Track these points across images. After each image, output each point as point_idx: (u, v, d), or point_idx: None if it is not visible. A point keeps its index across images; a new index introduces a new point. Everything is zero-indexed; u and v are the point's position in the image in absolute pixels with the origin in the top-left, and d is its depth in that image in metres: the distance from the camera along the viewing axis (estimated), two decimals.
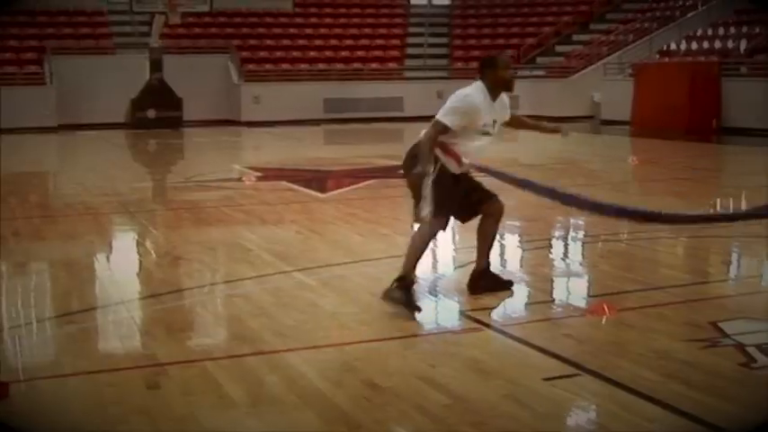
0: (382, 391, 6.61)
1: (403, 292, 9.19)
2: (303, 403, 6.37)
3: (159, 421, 6.09)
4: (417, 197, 8.98)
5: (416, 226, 9.35)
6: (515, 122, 10.21)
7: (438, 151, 9.22)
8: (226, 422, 6.07)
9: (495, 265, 11.64)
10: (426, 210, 8.88)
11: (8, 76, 37.59)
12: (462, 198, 9.52)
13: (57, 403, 6.54)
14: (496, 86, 9.54)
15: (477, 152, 9.45)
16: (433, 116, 9.34)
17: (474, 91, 9.50)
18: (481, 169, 9.39)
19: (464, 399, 6.41)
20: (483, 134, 9.44)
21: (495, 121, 9.60)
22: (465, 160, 9.36)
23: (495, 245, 13.32)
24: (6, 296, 10.04)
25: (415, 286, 9.26)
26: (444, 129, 9.23)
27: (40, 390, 6.81)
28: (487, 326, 8.53)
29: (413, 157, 9.14)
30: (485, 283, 9.89)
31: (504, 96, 9.80)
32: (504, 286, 9.96)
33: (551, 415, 6.23)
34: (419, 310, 9.05)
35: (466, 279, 10.51)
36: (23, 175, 22.51)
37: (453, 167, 9.32)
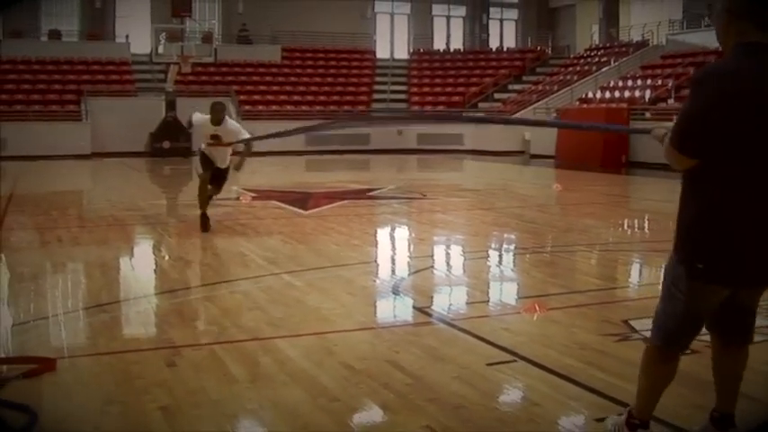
0: (356, 371, 6.60)
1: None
2: (291, 380, 6.36)
3: (175, 392, 6.07)
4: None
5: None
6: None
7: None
8: (229, 394, 6.06)
9: (442, 271, 11.74)
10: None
11: (52, 113, 37.62)
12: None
13: (93, 376, 6.54)
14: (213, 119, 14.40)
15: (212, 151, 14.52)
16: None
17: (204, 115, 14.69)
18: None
19: (422, 379, 6.40)
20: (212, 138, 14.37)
21: (216, 135, 14.28)
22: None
23: (444, 253, 13.41)
24: (52, 290, 10.00)
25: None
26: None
27: (80, 365, 6.80)
28: (440, 320, 8.53)
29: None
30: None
31: (228, 122, 14.49)
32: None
33: (493, 393, 6.24)
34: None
35: (421, 282, 10.58)
36: (64, 193, 22.48)
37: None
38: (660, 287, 4.81)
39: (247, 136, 14.76)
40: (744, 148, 4.25)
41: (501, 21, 54.93)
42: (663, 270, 4.77)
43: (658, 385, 4.91)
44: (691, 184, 4.46)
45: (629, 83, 38.77)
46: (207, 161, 14.59)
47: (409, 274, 11.35)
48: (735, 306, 4.69)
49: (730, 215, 4.33)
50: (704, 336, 5.03)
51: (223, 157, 14.61)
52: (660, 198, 21.00)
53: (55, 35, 43.35)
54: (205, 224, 14.43)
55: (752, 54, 4.29)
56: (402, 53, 51.39)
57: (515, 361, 6.90)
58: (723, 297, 4.59)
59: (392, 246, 14.68)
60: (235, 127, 14.63)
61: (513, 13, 55.32)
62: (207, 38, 41.66)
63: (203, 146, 14.71)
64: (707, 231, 4.39)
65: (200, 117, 14.80)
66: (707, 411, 5.12)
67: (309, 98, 43.42)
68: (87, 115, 37.99)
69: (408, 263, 12.44)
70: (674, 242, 4.60)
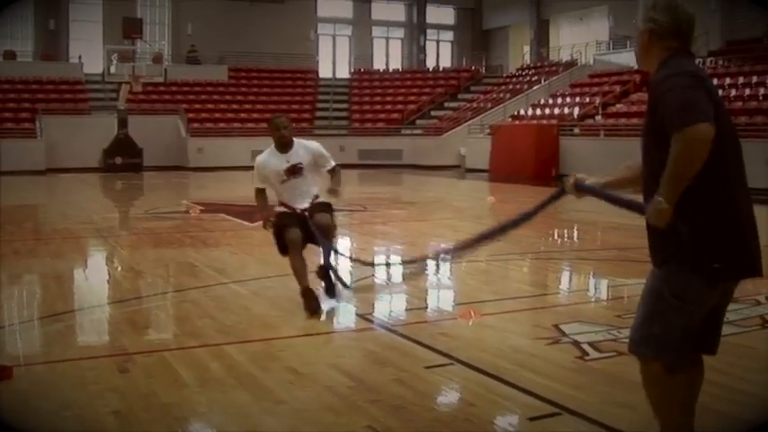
0: (301, 375, 6.60)
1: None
2: (239, 384, 6.36)
3: (128, 397, 6.04)
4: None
5: None
6: (330, 172, 10.00)
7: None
8: (180, 398, 6.04)
9: (383, 280, 11.72)
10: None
11: (8, 130, 37.40)
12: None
13: (49, 382, 6.48)
14: (277, 143, 9.58)
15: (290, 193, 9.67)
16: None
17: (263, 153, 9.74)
18: None
19: (364, 381, 6.43)
20: (283, 180, 9.57)
21: (293, 166, 9.49)
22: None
23: (384, 262, 13.38)
24: (8, 300, 9.90)
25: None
26: (256, 189, 9.93)
27: (36, 372, 6.75)
28: (380, 326, 8.55)
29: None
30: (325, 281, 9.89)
31: (305, 145, 9.71)
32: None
33: (431, 394, 6.28)
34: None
35: (362, 291, 10.56)
36: (20, 208, 22.17)
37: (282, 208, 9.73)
38: (651, 304, 4.43)
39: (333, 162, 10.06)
40: (728, 137, 4.19)
41: (437, 42, 55.43)
42: (651, 287, 4.37)
43: (678, 397, 4.46)
44: (692, 191, 4.10)
45: (559, 100, 39.09)
46: (284, 218, 9.73)
47: (352, 283, 11.36)
48: (715, 309, 4.45)
49: (738, 206, 4.20)
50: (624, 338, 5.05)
51: (304, 191, 9.76)
52: (587, 209, 21.08)
53: (10, 56, 43.11)
54: (312, 302, 9.10)
55: (691, 60, 4.35)
56: (343, 73, 51.75)
57: (452, 364, 6.93)
58: (723, 292, 4.38)
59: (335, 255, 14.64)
60: (313, 144, 9.93)
61: (449, 35, 55.80)
62: (157, 58, 41.55)
63: (278, 207, 9.90)
64: (720, 229, 4.15)
65: (261, 160, 9.74)
66: (631, 409, 5.15)
67: (255, 116, 43.26)
68: (42, 133, 37.80)
69: (350, 271, 12.44)
70: (673, 253, 4.22)
